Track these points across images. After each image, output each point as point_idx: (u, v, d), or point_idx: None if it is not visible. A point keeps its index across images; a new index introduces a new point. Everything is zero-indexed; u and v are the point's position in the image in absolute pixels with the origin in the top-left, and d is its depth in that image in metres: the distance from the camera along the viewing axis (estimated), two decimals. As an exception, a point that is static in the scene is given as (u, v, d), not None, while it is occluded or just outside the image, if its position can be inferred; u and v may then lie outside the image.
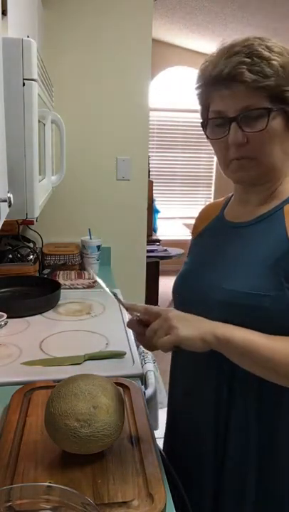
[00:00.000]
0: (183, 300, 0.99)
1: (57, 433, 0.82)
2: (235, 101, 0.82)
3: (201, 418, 0.94)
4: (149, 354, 1.39)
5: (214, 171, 5.56)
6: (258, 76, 0.80)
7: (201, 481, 0.95)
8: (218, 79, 0.82)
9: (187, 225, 5.23)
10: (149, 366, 1.30)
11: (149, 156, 2.50)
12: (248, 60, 0.80)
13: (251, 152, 0.84)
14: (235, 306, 0.84)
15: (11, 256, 1.97)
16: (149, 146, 2.43)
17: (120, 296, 1.83)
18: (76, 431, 0.80)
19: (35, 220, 1.15)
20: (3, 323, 1.50)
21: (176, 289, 1.02)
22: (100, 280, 0.99)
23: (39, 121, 1.16)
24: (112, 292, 0.95)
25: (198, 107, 0.92)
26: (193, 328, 0.80)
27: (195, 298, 0.93)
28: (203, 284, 0.92)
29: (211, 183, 5.68)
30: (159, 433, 1.09)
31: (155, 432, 1.00)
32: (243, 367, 0.81)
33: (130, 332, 1.52)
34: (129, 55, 2.18)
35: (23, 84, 1.02)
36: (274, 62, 0.80)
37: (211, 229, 1.03)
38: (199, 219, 1.10)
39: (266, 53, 0.80)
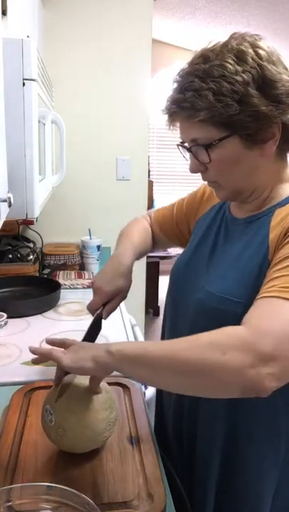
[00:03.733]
0: (176, 289, 1.00)
1: (48, 428, 0.83)
2: (185, 134, 0.84)
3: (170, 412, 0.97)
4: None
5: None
6: (190, 111, 0.79)
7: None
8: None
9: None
10: (149, 366, 1.29)
11: (149, 156, 2.50)
12: (180, 95, 0.79)
13: (211, 178, 0.86)
14: (208, 308, 0.84)
15: (11, 256, 1.97)
16: (149, 146, 2.43)
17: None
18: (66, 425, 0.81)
19: (35, 220, 1.15)
20: (3, 323, 1.50)
21: (173, 276, 1.03)
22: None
23: (39, 121, 1.16)
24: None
25: None
26: (84, 351, 0.77)
27: (184, 292, 0.95)
28: (192, 278, 0.93)
29: (211, 183, 5.67)
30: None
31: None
32: (152, 384, 0.80)
33: (130, 332, 1.52)
34: (129, 55, 2.18)
35: (23, 84, 1.02)
36: (205, 93, 0.76)
37: (216, 216, 1.00)
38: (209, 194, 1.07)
39: (197, 84, 0.77)
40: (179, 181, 5.54)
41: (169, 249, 4.17)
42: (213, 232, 0.97)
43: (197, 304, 0.88)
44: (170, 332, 1.02)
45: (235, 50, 0.77)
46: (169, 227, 1.18)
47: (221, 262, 0.89)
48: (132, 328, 1.59)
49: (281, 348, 0.65)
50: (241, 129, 0.78)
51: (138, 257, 1.11)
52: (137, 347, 0.75)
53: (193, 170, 0.86)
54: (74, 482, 0.78)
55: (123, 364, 0.74)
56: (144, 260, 2.44)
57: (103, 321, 1.01)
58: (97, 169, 2.28)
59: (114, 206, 2.33)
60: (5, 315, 1.51)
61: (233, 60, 0.76)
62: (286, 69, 0.80)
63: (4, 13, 0.99)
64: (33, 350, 0.84)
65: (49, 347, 0.86)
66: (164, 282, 1.03)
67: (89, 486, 0.78)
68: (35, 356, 0.85)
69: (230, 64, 0.76)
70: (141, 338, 1.55)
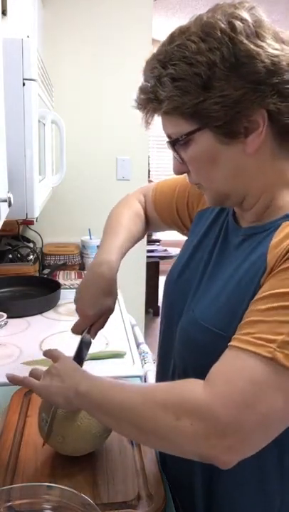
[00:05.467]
0: (168, 305, 0.89)
1: (44, 435, 0.83)
2: (163, 129, 0.72)
3: None
4: (149, 354, 1.39)
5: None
6: (155, 103, 0.67)
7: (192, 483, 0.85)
8: None
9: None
10: (149, 366, 1.30)
11: (149, 156, 2.50)
12: (145, 84, 0.68)
13: (193, 179, 0.74)
14: (189, 340, 0.75)
15: (11, 256, 1.97)
16: (149, 146, 2.43)
17: (120, 296, 1.82)
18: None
19: (35, 220, 1.15)
20: (3, 323, 1.50)
21: (165, 288, 0.91)
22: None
23: (39, 121, 1.16)
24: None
25: None
26: (57, 383, 0.75)
27: (174, 311, 0.85)
28: (183, 296, 0.82)
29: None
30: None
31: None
32: (116, 431, 0.76)
33: (130, 332, 1.52)
34: (129, 55, 2.17)
35: (23, 84, 1.02)
36: (165, 80, 0.64)
37: (218, 215, 0.85)
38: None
39: (159, 70, 0.65)
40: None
41: (169, 249, 4.17)
42: (212, 238, 0.83)
43: (180, 331, 0.78)
44: (161, 352, 0.93)
45: (204, 24, 0.63)
46: (167, 213, 1.02)
47: (213, 280, 0.76)
48: (132, 328, 1.59)
49: (241, 418, 0.56)
50: (210, 120, 0.64)
51: (126, 252, 0.99)
52: (102, 391, 0.70)
53: (174, 170, 0.75)
54: (74, 482, 0.78)
55: (87, 407, 0.73)
56: (144, 260, 2.43)
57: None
58: (97, 169, 2.28)
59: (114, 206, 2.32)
60: (5, 315, 1.51)
61: (199, 37, 0.63)
62: (282, 42, 0.64)
63: (4, 13, 0.99)
64: (10, 379, 0.84)
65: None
66: (163, 282, 0.95)
67: (89, 486, 0.78)
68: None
69: (194, 42, 0.62)
70: (141, 338, 1.55)
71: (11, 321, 1.53)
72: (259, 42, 0.62)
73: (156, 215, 1.06)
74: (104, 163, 2.28)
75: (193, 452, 0.62)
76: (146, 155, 2.37)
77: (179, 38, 0.65)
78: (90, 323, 0.92)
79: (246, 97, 0.62)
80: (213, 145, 0.66)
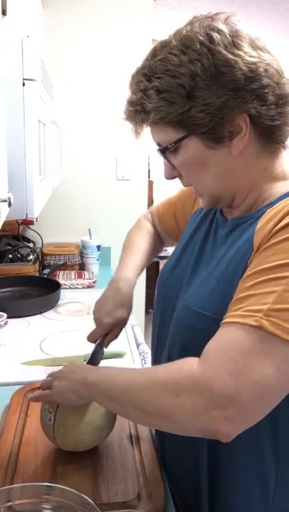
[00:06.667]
0: (161, 301, 0.93)
1: (48, 428, 0.84)
2: (153, 137, 0.77)
3: None
4: (149, 354, 1.39)
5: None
6: (142, 114, 0.71)
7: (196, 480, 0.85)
8: None
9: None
10: (149, 366, 1.30)
11: (149, 156, 2.50)
12: (133, 97, 0.72)
13: (185, 183, 0.80)
14: (183, 328, 0.78)
15: (11, 256, 1.97)
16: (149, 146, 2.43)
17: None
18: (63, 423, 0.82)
19: (35, 220, 1.15)
20: (3, 323, 1.50)
21: (158, 284, 0.96)
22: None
23: (39, 121, 1.16)
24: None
25: None
26: (67, 383, 0.78)
27: (167, 305, 0.88)
28: (176, 289, 0.86)
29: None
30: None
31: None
32: (124, 417, 0.78)
33: (130, 332, 1.52)
34: (129, 55, 2.17)
35: (23, 84, 1.02)
36: (150, 92, 0.68)
37: (207, 214, 0.90)
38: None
39: (144, 84, 0.70)
40: (179, 181, 5.53)
41: (168, 249, 4.17)
42: (202, 234, 0.87)
43: (175, 322, 0.81)
44: (156, 348, 0.95)
45: (183, 37, 0.67)
46: (170, 226, 1.12)
47: (204, 271, 0.80)
48: (132, 328, 1.59)
49: (236, 387, 0.58)
50: (196, 127, 0.68)
51: (143, 268, 1.09)
52: (108, 379, 0.73)
53: (165, 176, 0.79)
54: (74, 482, 0.78)
55: (96, 397, 0.76)
56: (144, 260, 2.43)
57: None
58: (97, 169, 2.28)
59: (114, 206, 2.32)
60: (5, 315, 1.51)
61: (179, 50, 0.67)
62: (258, 49, 0.68)
63: (4, 13, 0.99)
64: (33, 401, 0.88)
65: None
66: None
67: (89, 486, 0.78)
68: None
69: (175, 55, 0.67)
70: (141, 338, 1.54)
71: (11, 321, 1.53)
72: (236, 51, 0.66)
73: (163, 231, 1.17)
74: (104, 163, 2.28)
75: (195, 428, 0.63)
76: (147, 155, 2.37)
77: (161, 52, 0.69)
78: (105, 332, 0.98)
79: (228, 103, 0.66)
80: (200, 150, 0.71)
